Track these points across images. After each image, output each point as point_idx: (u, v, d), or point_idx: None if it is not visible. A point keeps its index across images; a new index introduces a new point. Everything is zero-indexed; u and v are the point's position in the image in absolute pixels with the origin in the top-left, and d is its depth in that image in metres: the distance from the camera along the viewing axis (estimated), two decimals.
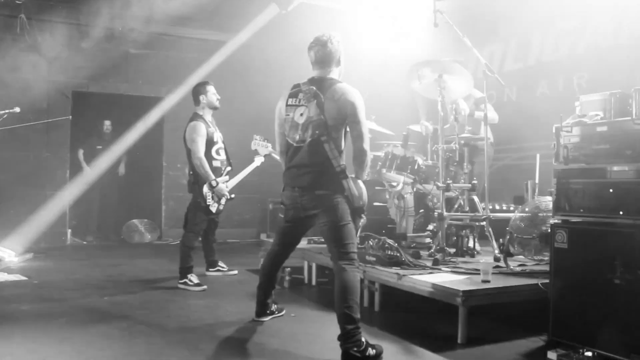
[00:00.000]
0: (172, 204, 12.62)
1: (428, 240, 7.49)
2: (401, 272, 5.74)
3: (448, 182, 6.69)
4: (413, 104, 9.42)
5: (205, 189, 7.52)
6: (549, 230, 4.88)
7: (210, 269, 8.27)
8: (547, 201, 6.27)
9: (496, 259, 6.39)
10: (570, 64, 9.23)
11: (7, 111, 8.21)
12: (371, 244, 6.45)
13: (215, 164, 7.68)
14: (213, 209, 7.65)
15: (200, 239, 7.89)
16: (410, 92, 7.90)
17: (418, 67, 6.91)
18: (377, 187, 7.98)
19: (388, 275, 5.84)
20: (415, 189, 7.60)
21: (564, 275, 4.62)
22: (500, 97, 10.44)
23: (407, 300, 6.04)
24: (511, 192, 8.60)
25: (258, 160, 8.16)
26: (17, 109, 8.31)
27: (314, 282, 7.60)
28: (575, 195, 4.63)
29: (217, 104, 7.72)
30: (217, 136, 7.77)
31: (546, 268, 5.19)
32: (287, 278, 7.46)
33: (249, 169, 8.22)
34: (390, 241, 6.34)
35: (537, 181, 7.37)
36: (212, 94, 7.68)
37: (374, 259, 6.25)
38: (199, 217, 7.62)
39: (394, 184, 7.73)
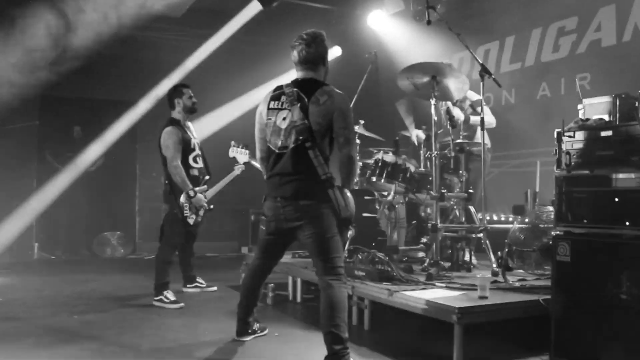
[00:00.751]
0: (147, 216, 12.59)
1: (421, 253, 7.46)
2: (392, 287, 5.68)
3: (442, 191, 6.68)
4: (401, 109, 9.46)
5: (182, 199, 7.45)
6: (551, 243, 4.85)
7: (188, 285, 8.21)
8: (549, 211, 6.28)
9: (494, 274, 6.36)
10: (571, 64, 9.26)
11: None
12: (360, 257, 6.42)
13: (193, 172, 7.61)
14: (191, 220, 7.56)
15: (177, 252, 7.84)
16: (400, 97, 7.91)
17: (410, 70, 6.89)
18: (366, 197, 7.93)
19: (378, 291, 5.78)
20: (407, 199, 7.59)
21: (566, 290, 4.61)
22: (498, 100, 10.47)
23: (399, 318, 6.02)
24: (510, 202, 8.58)
25: (238, 169, 8.10)
26: None
27: (298, 299, 7.55)
28: (579, 204, 4.62)
29: (193, 108, 7.67)
30: (195, 143, 7.72)
31: (547, 283, 5.18)
32: (270, 294, 7.41)
33: (229, 178, 8.16)
34: (380, 255, 6.31)
35: (537, 190, 7.36)
36: (187, 98, 7.63)
37: (363, 273, 6.20)
38: (175, 230, 7.57)
39: (385, 193, 7.71)
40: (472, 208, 7.17)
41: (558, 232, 4.74)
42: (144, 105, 12.33)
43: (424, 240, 7.46)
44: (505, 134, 8.89)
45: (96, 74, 12.17)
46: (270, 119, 4.97)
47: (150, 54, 12.52)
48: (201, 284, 8.27)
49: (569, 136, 4.71)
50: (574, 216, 4.64)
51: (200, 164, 7.74)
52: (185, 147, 7.53)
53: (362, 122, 8.17)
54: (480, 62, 6.81)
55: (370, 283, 6.01)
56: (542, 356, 4.99)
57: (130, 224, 12.87)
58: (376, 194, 7.87)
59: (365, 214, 7.75)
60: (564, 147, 4.74)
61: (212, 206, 7.74)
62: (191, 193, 7.43)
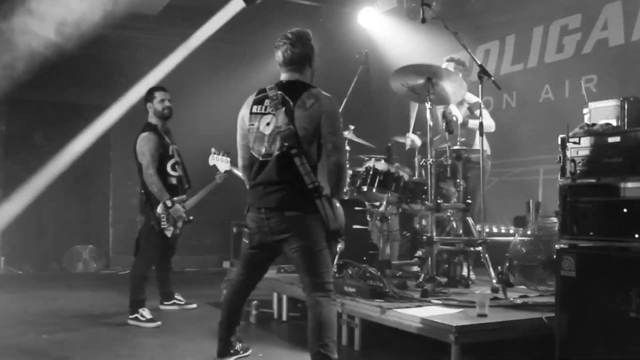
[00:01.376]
0: (121, 228, 12.53)
1: (416, 268, 7.45)
2: (385, 305, 5.66)
3: (438, 201, 6.66)
4: (399, 112, 9.41)
5: (159, 209, 7.41)
6: (555, 257, 4.84)
7: (166, 302, 8.16)
8: (552, 223, 6.26)
9: (494, 290, 6.34)
10: (577, 65, 9.26)
11: None
12: (350, 272, 6.38)
13: (171, 181, 7.61)
14: (168, 233, 7.52)
15: (153, 267, 7.81)
16: (393, 101, 7.89)
17: (404, 71, 6.88)
18: (356, 208, 7.91)
19: (370, 308, 5.76)
20: (400, 210, 7.57)
21: (571, 307, 4.58)
22: (498, 104, 10.47)
23: (392, 338, 5.99)
24: (511, 213, 8.59)
25: (219, 178, 8.05)
26: None
27: (284, 317, 7.51)
28: (585, 215, 4.61)
29: (165, 112, 7.61)
30: (173, 149, 7.71)
31: (551, 300, 5.15)
32: (254, 312, 7.37)
33: (210, 188, 8.15)
34: (372, 269, 6.29)
35: (540, 200, 7.38)
36: (159, 102, 7.59)
37: (353, 290, 6.17)
38: (152, 243, 7.53)
39: (376, 203, 7.68)
40: (470, 219, 7.16)
41: (562, 245, 4.72)
42: (119, 109, 12.27)
43: (418, 254, 7.41)
44: (506, 140, 8.89)
45: (69, 76, 12.11)
46: (253, 125, 4.93)
47: (125, 54, 12.47)
48: (180, 301, 8.22)
49: (574, 142, 4.70)
50: (580, 228, 4.62)
51: (179, 172, 7.72)
52: (163, 153, 7.52)
53: (352, 127, 8.15)
54: (479, 63, 6.81)
55: (361, 300, 5.98)
56: None
57: (103, 236, 12.80)
58: (367, 204, 7.85)
59: (355, 226, 7.73)
60: (568, 154, 4.72)
61: (191, 217, 7.72)
62: (169, 203, 7.38)
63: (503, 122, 8.53)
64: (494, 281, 6.52)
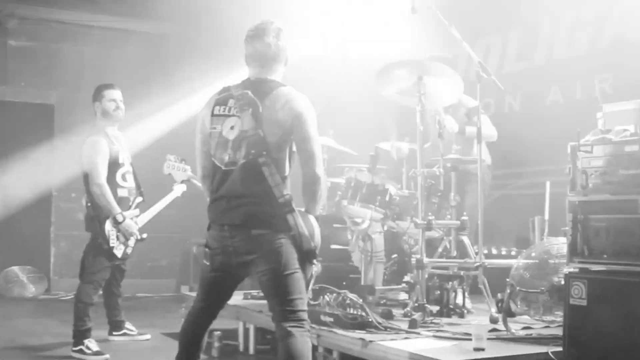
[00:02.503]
0: (64, 246, 12.43)
1: (403, 295, 7.41)
2: (367, 337, 5.62)
3: (430, 218, 6.62)
4: (384, 114, 9.35)
5: (108, 225, 7.37)
6: (563, 282, 4.81)
7: (115, 332, 8.09)
8: (560, 244, 6.23)
9: (493, 320, 6.31)
10: (590, 62, 9.24)
11: None
12: (328, 299, 6.34)
13: (122, 192, 7.58)
14: (118, 252, 7.49)
15: (101, 292, 7.76)
16: (378, 102, 7.82)
17: (391, 69, 6.86)
18: (335, 225, 7.89)
19: (350, 341, 5.70)
20: (386, 227, 7.53)
21: (581, 340, 4.56)
22: (500, 107, 10.47)
23: None
24: (513, 232, 8.58)
25: (178, 189, 8.00)
26: None
27: (251, 350, 7.44)
28: (597, 236, 4.59)
29: (116, 114, 7.55)
30: (124, 157, 7.67)
31: (559, 332, 5.13)
32: (216, 344, 7.29)
33: (166, 201, 8.08)
34: (352, 296, 6.25)
35: (546, 217, 7.34)
36: (108, 101, 7.53)
37: (331, 319, 6.11)
38: (99, 264, 7.46)
39: (358, 220, 7.64)
40: (466, 239, 7.11)
41: (572, 270, 4.70)
42: (63, 109, 12.22)
43: (406, 278, 7.40)
44: (508, 149, 8.83)
45: (3, 70, 12.04)
46: (214, 128, 4.83)
47: (72, 46, 12.44)
48: (131, 330, 8.15)
49: (586, 151, 4.68)
50: (592, 250, 4.61)
51: (131, 183, 7.69)
52: (112, 161, 7.46)
53: (331, 131, 8.12)
54: (478, 59, 6.77)
55: (340, 331, 5.92)
56: None
57: (43, 256, 12.67)
58: (348, 221, 7.80)
59: (334, 246, 7.69)
60: (579, 164, 4.72)
61: (144, 235, 7.67)
62: (119, 218, 7.35)
63: (505, 127, 8.49)
64: (493, 310, 6.48)
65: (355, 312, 6.07)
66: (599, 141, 4.65)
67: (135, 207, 7.66)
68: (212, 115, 4.85)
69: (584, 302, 4.54)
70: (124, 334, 8.09)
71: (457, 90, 7.01)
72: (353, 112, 10.47)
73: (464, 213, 7.12)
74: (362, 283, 7.50)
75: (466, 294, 7.05)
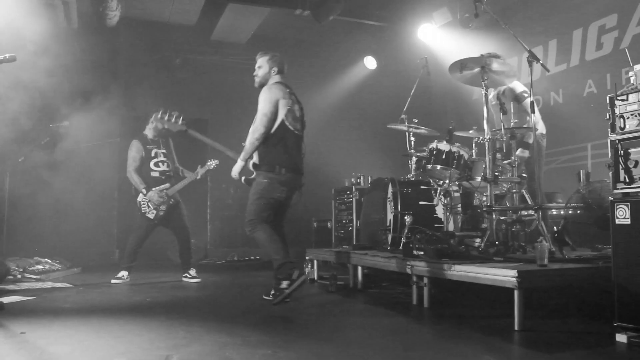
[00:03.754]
0: (217, 224, 12.41)
1: (478, 241, 7.04)
2: (451, 261, 5.31)
3: (496, 174, 6.26)
4: (455, 107, 9.10)
5: (140, 197, 8.33)
6: (608, 213, 4.41)
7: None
8: (604, 184, 5.80)
9: (551, 253, 5.90)
10: (616, 58, 8.84)
11: None
12: (418, 237, 6.03)
13: (154, 174, 8.44)
14: (150, 215, 8.32)
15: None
16: (457, 97, 7.55)
17: (460, 63, 6.56)
18: (422, 187, 7.60)
19: (437, 267, 5.41)
20: (462, 185, 7.19)
21: (627, 254, 4.15)
22: (546, 101, 10.10)
23: (458, 295, 5.63)
24: (563, 196, 8.11)
25: (198, 174, 8.68)
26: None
27: (359, 286, 7.24)
28: (636, 165, 4.20)
29: (163, 131, 8.39)
30: (158, 152, 8.53)
31: (608, 254, 4.73)
32: (332, 282, 7.10)
33: (187, 180, 8.64)
34: (438, 233, 5.95)
35: (589, 169, 6.89)
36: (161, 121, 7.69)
37: (421, 252, 5.82)
38: (138, 224, 8.44)
39: (440, 181, 7.33)
40: (526, 194, 6.71)
41: (616, 195, 4.31)
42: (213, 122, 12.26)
43: (479, 226, 7.04)
44: (555, 132, 8.43)
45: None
46: (292, 107, 6.28)
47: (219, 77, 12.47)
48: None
49: (622, 100, 4.32)
50: (632, 178, 4.22)
51: (163, 168, 8.49)
52: (146, 155, 8.47)
53: (415, 120, 7.91)
54: (528, 48, 6.40)
55: (429, 260, 5.63)
56: (607, 323, 4.51)
57: (202, 232, 12.57)
58: (432, 181, 7.51)
59: (421, 202, 7.41)
60: (617, 111, 4.35)
61: (172, 201, 8.44)
62: (144, 191, 8.27)
63: (552, 117, 8.27)
64: (550, 246, 6.06)
65: (440, 246, 5.76)
66: (634, 90, 4.28)
67: (165, 183, 8.39)
68: (290, 99, 6.32)
69: (628, 221, 4.15)
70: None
71: (511, 73, 6.66)
72: (432, 108, 10.23)
73: (523, 169, 6.77)
74: (445, 230, 7.18)
75: (527, 235, 6.63)
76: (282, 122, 6.17)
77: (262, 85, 6.42)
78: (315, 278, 8.05)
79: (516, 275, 4.41)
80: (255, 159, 6.31)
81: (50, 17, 9.79)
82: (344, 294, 6.91)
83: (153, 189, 8.29)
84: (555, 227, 6.08)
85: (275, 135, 6.18)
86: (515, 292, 4.44)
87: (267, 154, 6.21)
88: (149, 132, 8.58)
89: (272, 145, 6.19)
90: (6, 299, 6.26)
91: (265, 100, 6.17)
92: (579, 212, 5.89)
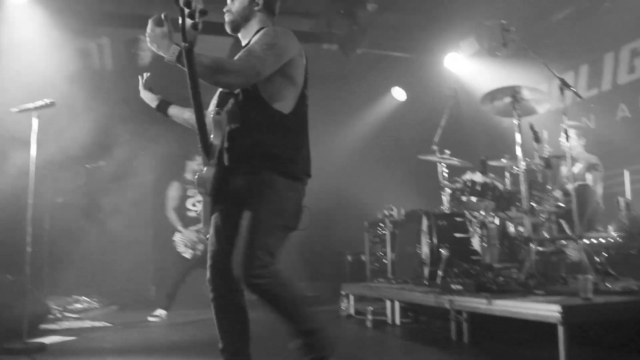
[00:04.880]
0: None
1: (515, 272, 6.85)
2: (490, 296, 5.12)
3: (532, 204, 6.09)
4: (486, 136, 9.00)
5: (176, 237, 8.43)
6: None
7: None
8: None
9: (593, 284, 5.66)
10: None
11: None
12: (456, 271, 5.87)
13: (190, 214, 8.61)
14: (187, 255, 8.34)
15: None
16: (488, 127, 7.42)
17: (491, 94, 6.46)
18: (457, 218, 7.42)
19: (477, 301, 5.21)
20: (498, 217, 7.02)
21: None
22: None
23: (498, 330, 5.44)
24: (602, 223, 7.90)
25: None
26: None
27: (397, 322, 7.04)
28: None
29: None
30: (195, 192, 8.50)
31: None
32: (370, 318, 6.96)
33: None
34: (476, 266, 5.79)
35: (629, 197, 6.69)
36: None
37: (460, 287, 5.64)
38: (176, 264, 8.45)
39: (475, 213, 7.16)
40: (563, 222, 6.52)
41: None
42: None
43: (518, 258, 6.85)
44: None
45: None
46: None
47: None
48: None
49: None
50: None
51: (199, 208, 8.49)
52: (183, 194, 8.70)
53: (447, 152, 7.81)
54: (559, 76, 6.24)
55: (467, 295, 5.45)
56: None
57: None
58: (467, 213, 7.34)
59: (457, 234, 7.23)
60: None
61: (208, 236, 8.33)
62: (180, 229, 8.44)
63: (585, 142, 8.11)
64: (592, 276, 5.82)
65: (479, 280, 5.60)
66: None
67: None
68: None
69: None
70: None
71: (545, 101, 6.53)
72: (463, 138, 10.12)
73: (559, 199, 6.60)
74: (482, 262, 7.00)
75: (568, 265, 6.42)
76: (303, 94, 3.66)
77: (236, 28, 3.79)
78: (353, 313, 7.89)
79: (560, 310, 4.21)
80: (248, 144, 3.56)
81: (84, 61, 9.96)
82: (381, 329, 6.77)
83: (189, 228, 8.44)
84: (597, 258, 5.86)
85: (296, 116, 3.61)
86: (560, 328, 4.24)
87: (287, 148, 3.56)
88: (188, 174, 8.75)
89: (294, 132, 3.62)
90: (48, 340, 6.26)
91: (277, 41, 3.50)
92: (621, 241, 5.66)
